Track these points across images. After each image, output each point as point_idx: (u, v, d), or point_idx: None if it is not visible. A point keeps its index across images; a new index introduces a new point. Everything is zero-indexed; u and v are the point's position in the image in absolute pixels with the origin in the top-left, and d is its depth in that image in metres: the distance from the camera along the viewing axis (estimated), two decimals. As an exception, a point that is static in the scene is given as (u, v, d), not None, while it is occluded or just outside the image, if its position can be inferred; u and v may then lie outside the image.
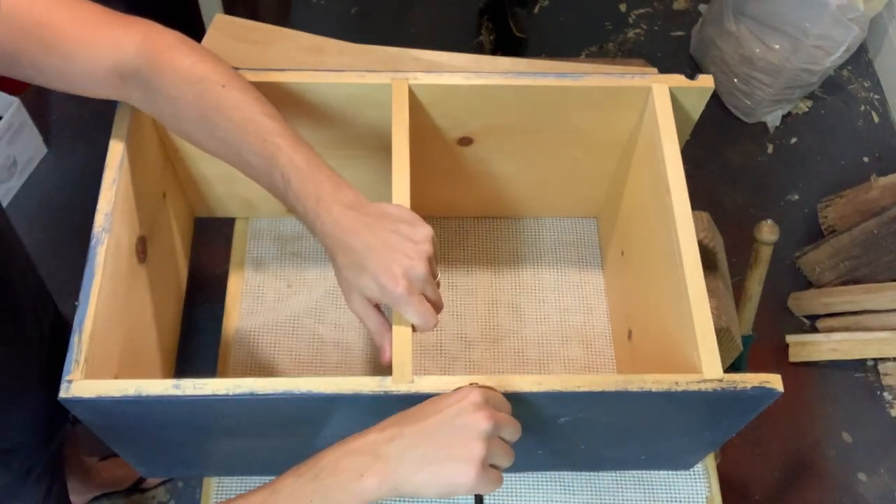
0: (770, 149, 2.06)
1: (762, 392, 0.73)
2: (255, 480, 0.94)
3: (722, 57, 2.02)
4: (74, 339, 0.72)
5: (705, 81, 0.88)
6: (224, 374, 1.02)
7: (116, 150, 0.82)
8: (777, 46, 1.90)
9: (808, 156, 2.05)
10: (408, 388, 0.70)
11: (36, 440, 0.99)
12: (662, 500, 0.97)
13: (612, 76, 0.89)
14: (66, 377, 0.70)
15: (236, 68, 0.80)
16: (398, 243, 0.70)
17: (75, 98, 0.79)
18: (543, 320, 1.07)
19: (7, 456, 0.94)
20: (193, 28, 1.50)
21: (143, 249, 0.87)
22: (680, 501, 0.97)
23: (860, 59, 2.19)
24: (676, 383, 0.72)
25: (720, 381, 0.73)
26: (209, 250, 1.34)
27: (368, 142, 0.94)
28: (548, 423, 0.78)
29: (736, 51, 1.97)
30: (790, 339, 1.79)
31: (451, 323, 1.06)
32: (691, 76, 0.88)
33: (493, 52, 2.13)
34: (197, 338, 1.44)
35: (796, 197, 1.99)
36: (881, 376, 1.77)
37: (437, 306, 0.73)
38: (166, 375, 0.97)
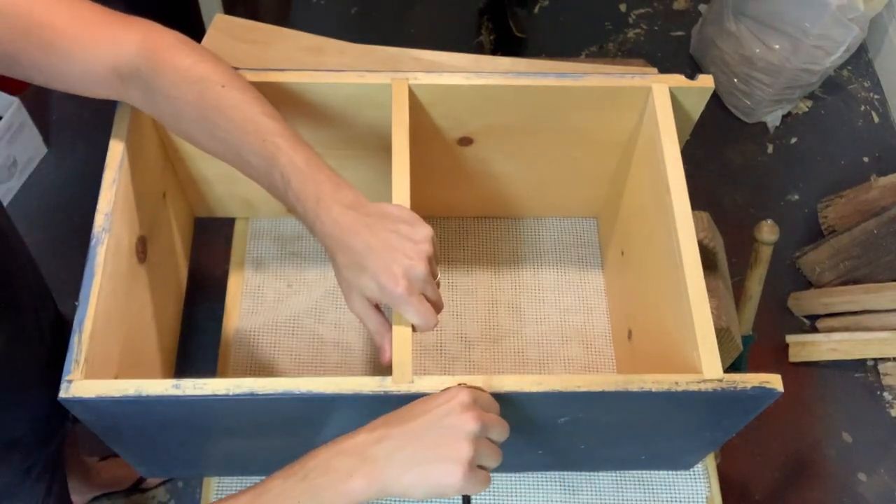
0: (770, 149, 2.06)
1: (762, 392, 0.73)
2: (255, 480, 0.94)
3: (722, 57, 2.02)
4: (74, 339, 0.72)
5: (705, 81, 0.88)
6: (224, 374, 1.02)
7: (116, 150, 0.82)
8: (777, 46, 1.90)
9: (808, 156, 2.05)
10: (408, 388, 0.70)
11: (36, 438, 0.99)
12: (662, 500, 0.97)
13: (612, 76, 0.89)
14: (66, 377, 0.70)
15: (236, 68, 0.80)
16: (398, 243, 0.70)
17: (75, 98, 0.79)
18: (543, 320, 1.07)
19: (8, 453, 0.94)
20: (193, 28, 1.50)
21: (143, 249, 0.87)
22: (680, 501, 0.97)
23: (860, 59, 2.19)
24: (676, 383, 0.72)
25: (720, 381, 0.73)
26: (209, 250, 1.34)
27: (368, 142, 0.94)
28: (548, 423, 0.78)
29: (736, 51, 1.97)
30: (790, 339, 1.79)
31: (451, 323, 1.06)
32: (691, 76, 0.88)
33: (493, 52, 2.13)
34: (197, 338, 1.44)
35: (796, 197, 1.99)
36: (881, 376, 1.77)
37: (437, 306, 0.73)
38: (166, 375, 0.97)
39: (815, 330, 1.81)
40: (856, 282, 1.78)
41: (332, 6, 2.23)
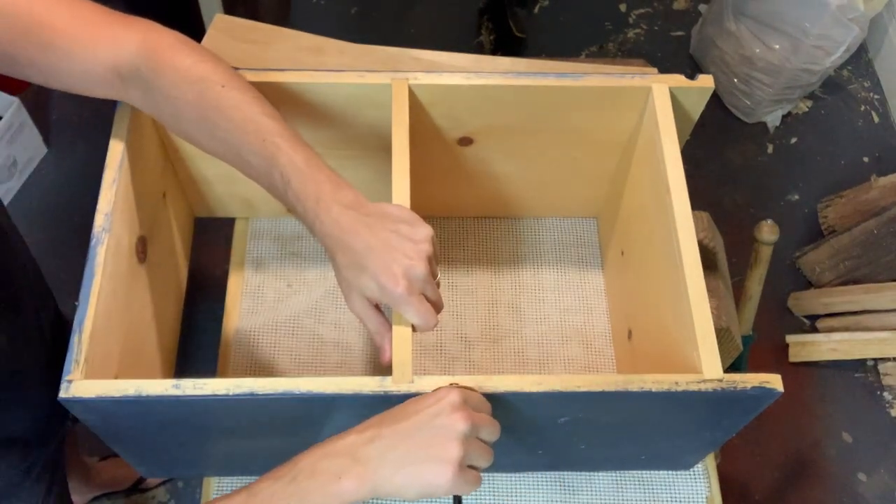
0: (770, 149, 2.06)
1: (762, 392, 0.73)
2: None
3: (722, 57, 2.02)
4: (74, 339, 0.72)
5: (705, 81, 0.88)
6: (224, 374, 1.02)
7: (116, 150, 0.82)
8: (777, 46, 1.90)
9: (808, 156, 2.05)
10: (408, 388, 0.70)
11: (36, 438, 0.99)
12: (662, 500, 0.97)
13: (612, 76, 0.89)
14: (66, 377, 0.70)
15: (236, 68, 0.80)
16: (398, 243, 0.70)
17: (75, 98, 0.79)
18: (543, 320, 1.07)
19: (8, 453, 0.94)
20: (193, 28, 1.50)
21: (143, 249, 0.87)
22: (680, 501, 0.97)
23: (860, 59, 2.19)
24: (676, 383, 0.72)
25: (720, 381, 0.73)
26: (209, 250, 1.34)
27: (368, 142, 0.94)
28: (547, 424, 0.78)
29: (736, 51, 1.97)
30: (790, 339, 1.79)
31: (451, 323, 1.06)
32: (691, 76, 0.88)
33: (493, 52, 2.13)
34: (197, 338, 1.44)
35: (796, 197, 1.99)
36: (881, 376, 1.77)
37: (437, 306, 0.73)
38: (166, 375, 0.97)
39: (815, 330, 1.81)
40: (856, 282, 1.78)
41: (332, 6, 2.23)
